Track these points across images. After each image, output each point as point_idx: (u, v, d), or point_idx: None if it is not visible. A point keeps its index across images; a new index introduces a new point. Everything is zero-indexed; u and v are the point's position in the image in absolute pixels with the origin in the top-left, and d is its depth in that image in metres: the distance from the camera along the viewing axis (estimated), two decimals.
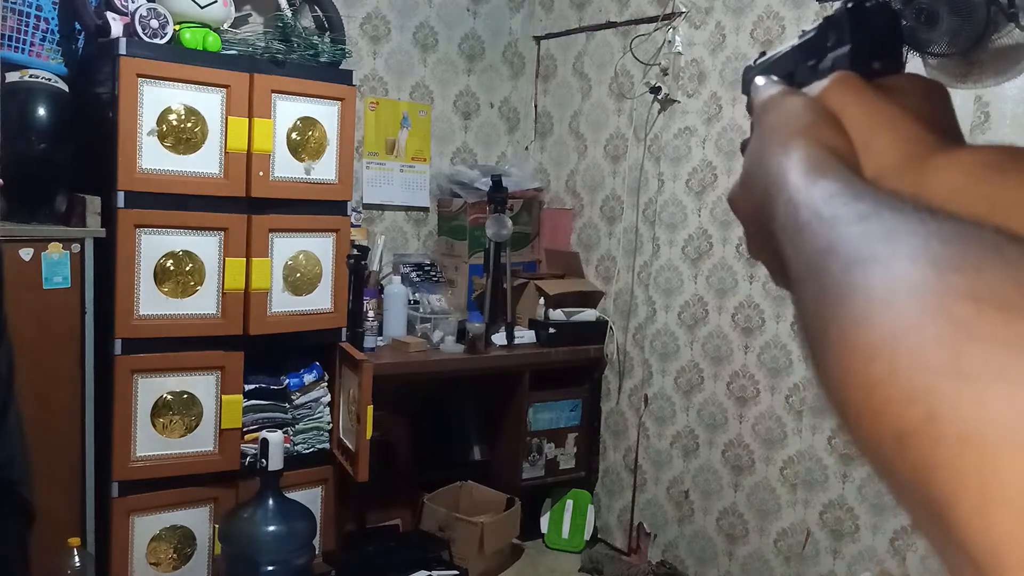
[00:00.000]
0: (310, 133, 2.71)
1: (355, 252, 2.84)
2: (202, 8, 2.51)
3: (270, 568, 2.42)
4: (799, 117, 0.39)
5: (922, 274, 0.23)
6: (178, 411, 2.55)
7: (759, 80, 0.49)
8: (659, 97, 3.33)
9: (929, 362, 0.21)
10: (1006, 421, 0.20)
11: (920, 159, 0.38)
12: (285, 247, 2.69)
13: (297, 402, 2.76)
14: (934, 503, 0.21)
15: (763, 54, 0.58)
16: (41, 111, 2.49)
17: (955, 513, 0.20)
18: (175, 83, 2.46)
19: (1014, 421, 0.20)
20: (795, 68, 0.49)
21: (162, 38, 2.45)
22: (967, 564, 0.20)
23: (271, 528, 2.44)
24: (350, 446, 2.67)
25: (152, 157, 2.45)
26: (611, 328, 3.48)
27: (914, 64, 2.64)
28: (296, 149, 2.68)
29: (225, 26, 2.63)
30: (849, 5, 0.44)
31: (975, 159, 0.37)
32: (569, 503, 3.47)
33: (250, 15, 3.09)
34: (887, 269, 0.24)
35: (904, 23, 2.42)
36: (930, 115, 0.41)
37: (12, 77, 2.46)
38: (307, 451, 2.78)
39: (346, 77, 2.81)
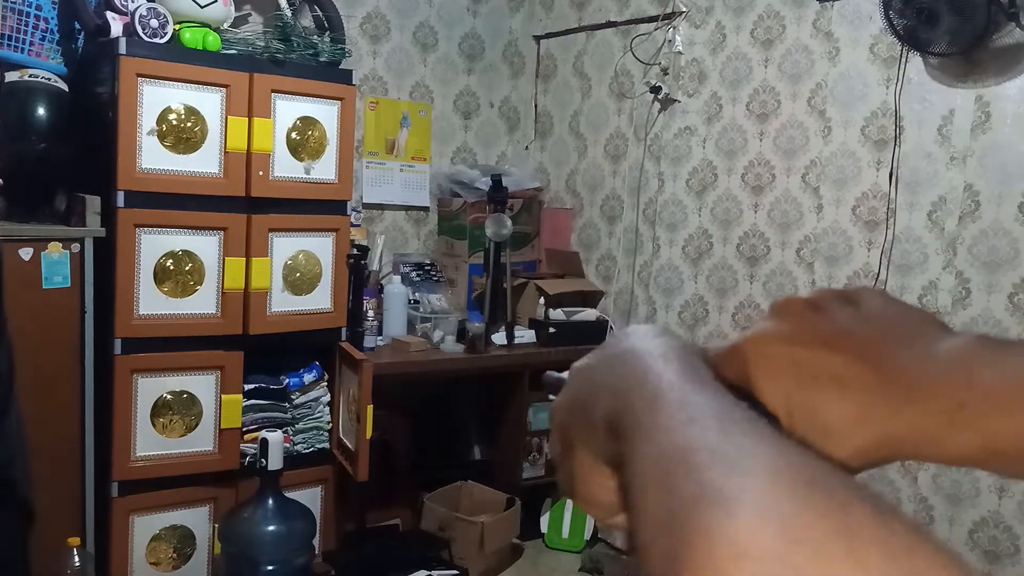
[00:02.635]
0: (310, 133, 2.70)
1: (355, 252, 2.84)
2: (202, 8, 2.51)
3: (270, 568, 2.41)
4: (655, 334, 0.37)
5: (767, 540, 0.23)
6: (178, 411, 2.55)
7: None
8: (659, 97, 3.33)
9: None
10: None
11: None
12: (285, 247, 2.69)
13: (297, 402, 2.76)
14: None
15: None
16: (41, 111, 2.49)
17: None
18: (175, 83, 2.46)
19: None
20: None
21: (162, 38, 2.45)
22: None
23: (271, 528, 2.43)
24: (350, 446, 2.67)
25: (152, 157, 2.45)
26: (611, 328, 3.47)
27: (916, 62, 2.64)
28: (296, 149, 2.68)
29: (225, 26, 2.63)
30: None
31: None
32: (569, 503, 3.47)
33: (250, 15, 3.08)
34: (735, 520, 0.23)
35: (905, 21, 2.42)
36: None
37: (12, 77, 2.46)
38: (307, 451, 2.78)
39: (346, 77, 2.81)
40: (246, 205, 2.60)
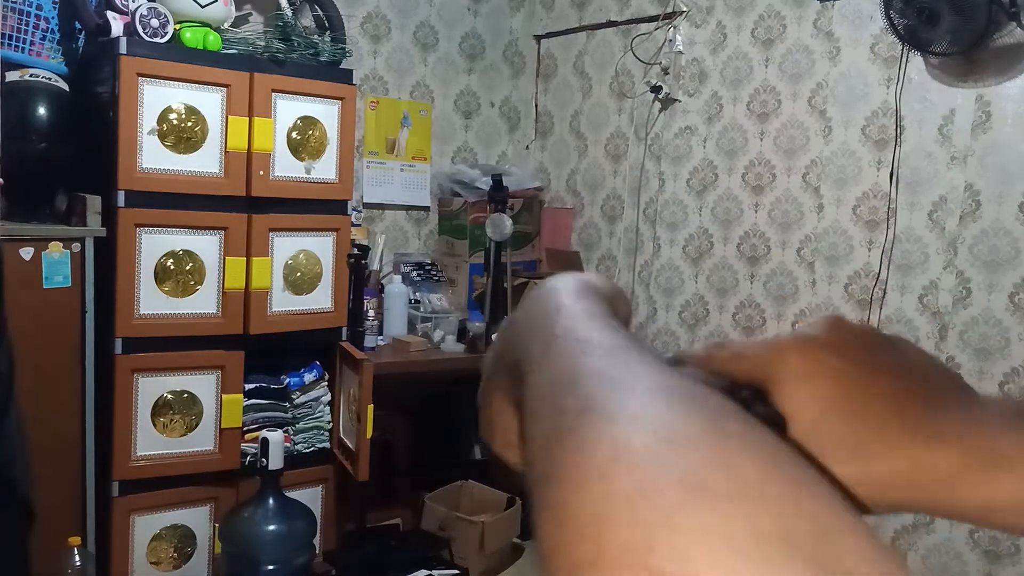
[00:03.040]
0: (310, 132, 2.70)
1: (355, 251, 2.84)
2: (202, 7, 2.51)
3: (270, 567, 2.41)
4: (590, 276, 0.40)
5: (641, 440, 0.23)
6: (178, 410, 2.55)
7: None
8: (660, 96, 3.33)
9: (629, 554, 0.21)
10: None
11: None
12: (285, 246, 2.69)
13: (297, 401, 2.76)
14: None
15: None
16: (41, 110, 2.49)
17: None
18: (175, 82, 2.46)
19: None
20: None
21: (162, 37, 2.45)
22: None
23: (271, 527, 2.43)
24: (350, 445, 2.67)
25: (152, 156, 2.45)
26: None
27: (916, 61, 2.63)
28: (296, 148, 2.68)
29: (225, 25, 2.63)
30: None
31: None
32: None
33: (250, 14, 3.08)
34: (615, 426, 0.24)
35: (906, 21, 2.42)
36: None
37: (12, 76, 2.45)
38: (307, 450, 2.78)
39: (346, 76, 2.81)
40: (247, 205, 2.60)
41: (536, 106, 3.91)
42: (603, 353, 0.29)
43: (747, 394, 0.37)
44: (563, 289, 0.36)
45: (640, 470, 0.22)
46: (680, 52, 3.27)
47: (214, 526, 2.62)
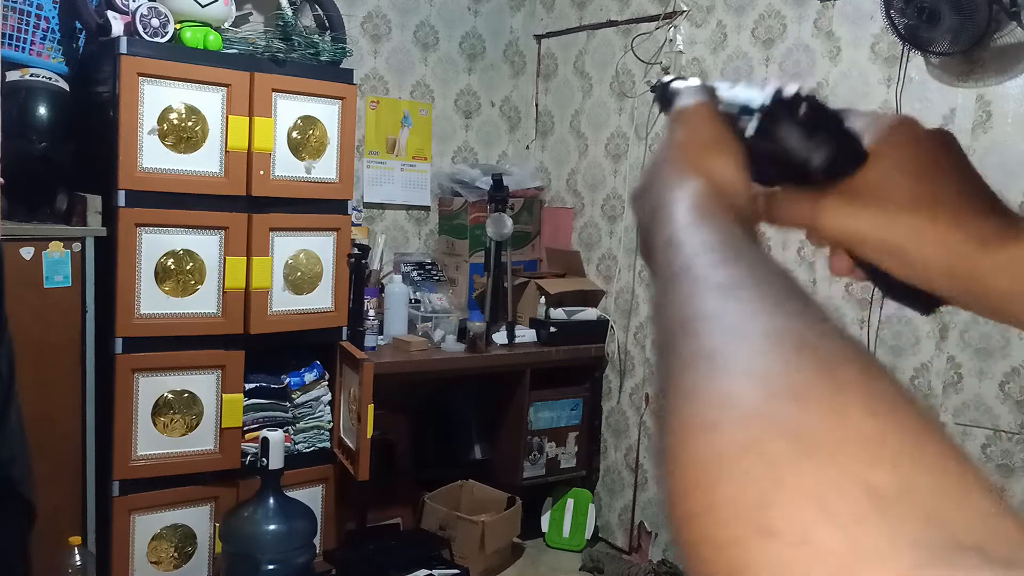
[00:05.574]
0: (311, 132, 2.70)
1: (356, 251, 2.84)
2: (203, 7, 2.51)
3: (271, 567, 2.42)
4: (706, 146, 0.40)
5: (752, 393, 0.23)
6: (179, 410, 2.55)
7: (686, 84, 0.48)
8: None
9: (739, 509, 0.21)
10: None
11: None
12: (286, 246, 2.69)
13: (298, 401, 2.76)
14: None
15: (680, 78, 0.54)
16: (42, 110, 2.49)
17: None
18: (176, 82, 2.46)
19: None
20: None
21: (163, 37, 2.45)
22: None
23: (272, 527, 2.44)
24: (351, 445, 2.67)
25: (153, 156, 2.45)
26: (612, 327, 3.48)
27: (917, 61, 2.64)
28: (297, 148, 2.68)
29: (226, 25, 2.63)
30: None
31: None
32: (570, 502, 3.47)
33: (251, 14, 3.08)
34: (725, 376, 0.24)
35: (906, 20, 2.42)
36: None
37: (13, 76, 2.46)
38: (308, 450, 2.78)
39: (347, 76, 2.81)
40: (247, 204, 2.60)
41: (536, 106, 3.91)
42: (716, 294, 0.29)
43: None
44: (678, 211, 0.37)
45: (749, 424, 0.22)
46: (680, 52, 3.27)
47: (214, 526, 2.62)
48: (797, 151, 0.41)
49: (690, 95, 0.45)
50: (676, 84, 0.49)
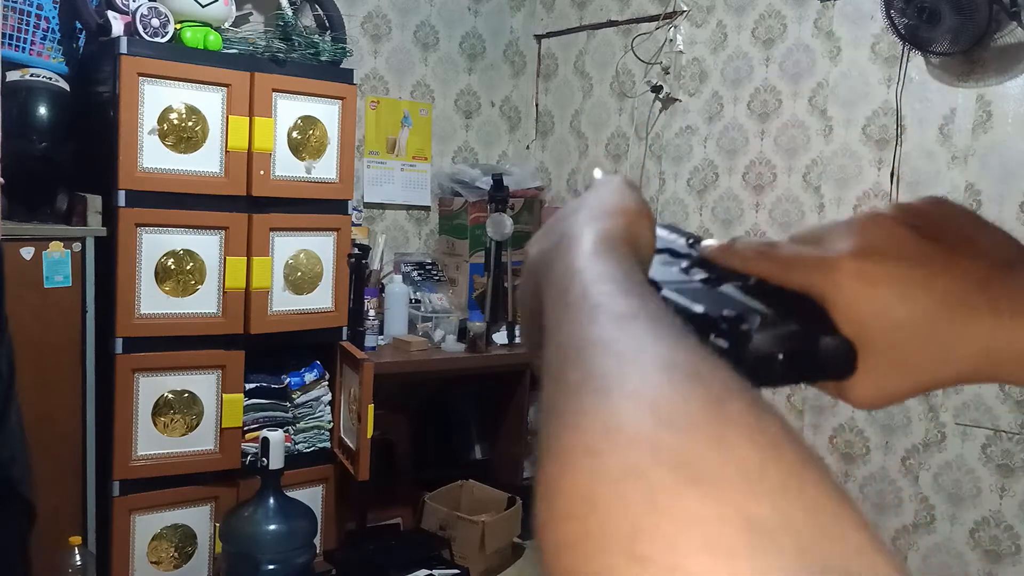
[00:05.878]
0: (311, 132, 2.70)
1: (356, 251, 2.84)
2: (203, 7, 2.51)
3: (271, 567, 2.42)
4: (626, 202, 0.38)
5: (638, 420, 0.23)
6: (179, 410, 2.55)
7: (599, 172, 0.46)
8: (660, 96, 3.33)
9: (612, 537, 0.20)
10: None
11: None
12: (286, 246, 2.69)
13: (298, 401, 2.76)
14: None
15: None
16: (42, 110, 2.49)
17: None
18: (176, 82, 2.46)
19: None
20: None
21: (163, 37, 2.45)
22: None
23: (272, 527, 2.43)
24: (351, 445, 2.67)
25: (153, 156, 2.45)
26: None
27: (917, 61, 2.63)
28: (297, 148, 2.68)
29: (226, 25, 2.63)
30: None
31: None
32: None
33: (251, 14, 3.08)
34: (610, 402, 0.23)
35: (906, 20, 2.42)
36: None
37: (13, 76, 2.46)
38: (308, 450, 2.78)
39: (347, 76, 2.81)
40: (247, 204, 2.60)
41: (536, 106, 3.91)
42: (612, 322, 0.28)
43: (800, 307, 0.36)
44: (583, 240, 0.35)
45: (632, 451, 0.22)
46: (680, 52, 3.27)
47: (215, 525, 2.62)
48: (773, 368, 0.35)
49: (607, 177, 0.42)
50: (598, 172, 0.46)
